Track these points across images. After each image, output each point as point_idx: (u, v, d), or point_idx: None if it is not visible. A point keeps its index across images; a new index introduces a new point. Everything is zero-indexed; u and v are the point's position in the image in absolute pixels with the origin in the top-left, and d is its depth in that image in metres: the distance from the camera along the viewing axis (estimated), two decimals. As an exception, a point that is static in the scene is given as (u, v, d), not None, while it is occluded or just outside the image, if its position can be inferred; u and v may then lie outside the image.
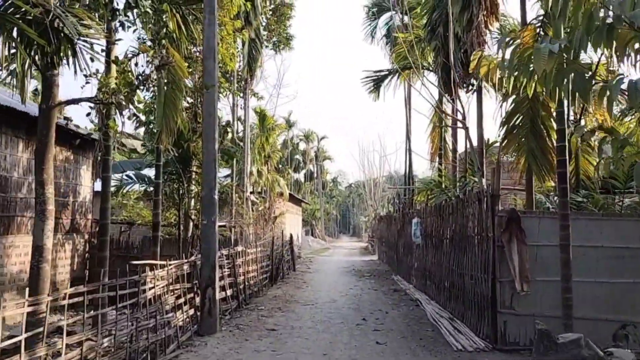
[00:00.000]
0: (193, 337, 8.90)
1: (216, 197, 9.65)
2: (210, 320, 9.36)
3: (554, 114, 8.25)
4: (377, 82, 16.42)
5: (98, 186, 16.60)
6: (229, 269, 12.00)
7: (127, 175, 13.43)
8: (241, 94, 22.51)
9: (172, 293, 8.25)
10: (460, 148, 14.95)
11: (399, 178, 48.01)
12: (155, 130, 11.72)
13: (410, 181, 21.94)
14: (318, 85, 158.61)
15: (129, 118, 7.86)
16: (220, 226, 19.16)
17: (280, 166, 40.25)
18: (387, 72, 16.68)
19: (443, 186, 13.75)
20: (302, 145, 76.74)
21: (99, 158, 9.49)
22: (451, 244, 11.45)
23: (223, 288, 11.40)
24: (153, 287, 7.31)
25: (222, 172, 22.44)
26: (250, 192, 24.97)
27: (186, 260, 9.04)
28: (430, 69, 15.28)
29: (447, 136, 17.03)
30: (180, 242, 14.24)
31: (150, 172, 15.26)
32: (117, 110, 9.23)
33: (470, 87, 12.35)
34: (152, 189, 14.07)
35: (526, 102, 8.37)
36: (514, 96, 8.35)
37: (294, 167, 75.03)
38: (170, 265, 8.25)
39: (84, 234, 13.99)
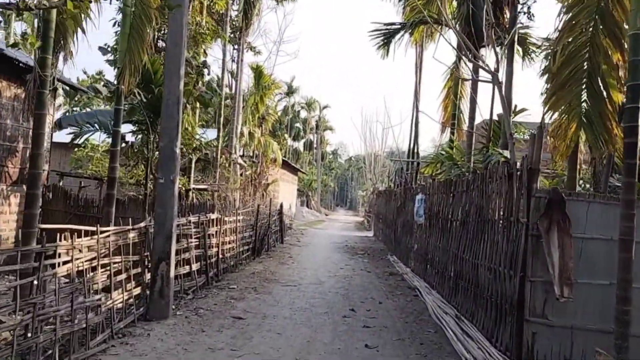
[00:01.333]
0: (136, 323, 7.08)
1: (177, 150, 7.69)
2: (161, 303, 7.52)
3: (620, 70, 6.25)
4: (387, 37, 14.29)
5: (62, 136, 14.69)
6: (197, 239, 10.13)
7: (87, 122, 11.46)
8: (235, 46, 20.32)
9: (105, 268, 6.37)
10: (479, 118, 12.93)
11: (400, 154, 46.00)
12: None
13: (416, 154, 19.96)
14: (322, 44, 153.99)
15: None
16: (200, 189, 17.33)
17: (278, 133, 38.23)
18: (399, 26, 14.51)
19: (455, 159, 11.79)
20: (303, 114, 74.35)
21: (30, 90, 7.52)
22: (462, 227, 9.55)
23: (187, 262, 9.56)
24: (70, 261, 5.42)
25: (210, 134, 20.49)
26: (240, 156, 23.02)
27: (131, 227, 7.13)
28: (449, 25, 13.06)
29: (463, 104, 14.98)
30: (147, 203, 12.35)
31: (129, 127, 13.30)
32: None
33: (500, 42, 10.27)
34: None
35: (585, 49, 6.36)
36: (569, 39, 6.33)
37: (294, 136, 72.87)
38: (103, 233, 6.34)
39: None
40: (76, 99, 41.76)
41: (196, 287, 9.67)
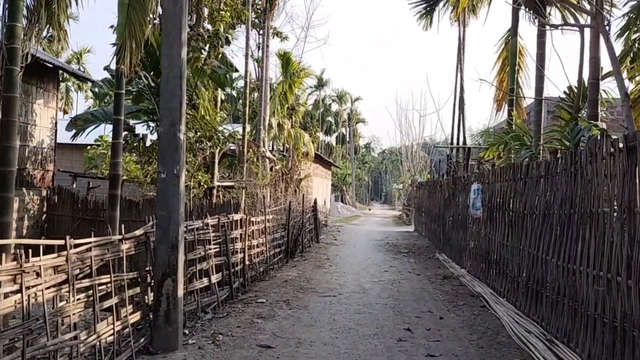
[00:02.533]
0: (134, 359, 5.48)
1: (182, 136, 6.04)
2: (167, 330, 5.90)
3: None
4: (431, 4, 12.37)
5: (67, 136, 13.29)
6: (218, 245, 8.52)
7: (91, 114, 10.00)
8: (260, 30, 18.70)
9: (81, 292, 4.77)
10: (546, 91, 10.86)
11: (437, 144, 43.65)
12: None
13: (462, 140, 17.92)
14: (353, 27, 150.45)
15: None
16: (226, 187, 15.81)
17: (309, 126, 36.49)
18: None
19: (524, 139, 9.79)
20: (334, 107, 72.56)
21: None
22: (543, 221, 7.61)
23: (206, 273, 7.95)
24: (19, 291, 3.83)
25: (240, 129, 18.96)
26: (270, 150, 21.42)
27: (121, 236, 5.52)
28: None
29: (521, 77, 12.91)
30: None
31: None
32: None
33: None
34: (130, 134, 10.62)
35: None
36: None
37: (325, 130, 71.22)
38: (80, 246, 4.73)
39: (41, 189, 10.73)
40: (106, 100, 41.10)
41: (217, 303, 8.05)
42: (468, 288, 10.47)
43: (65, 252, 4.41)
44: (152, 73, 9.27)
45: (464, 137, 18.04)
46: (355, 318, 7.74)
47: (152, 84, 9.17)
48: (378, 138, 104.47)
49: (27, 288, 3.88)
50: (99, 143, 14.20)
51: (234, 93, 34.29)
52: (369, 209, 66.53)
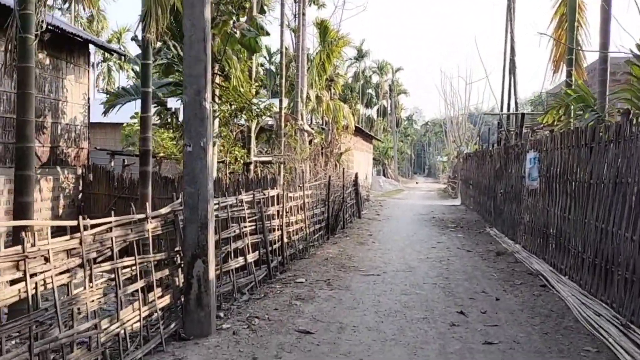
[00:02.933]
0: (165, 346, 5.09)
1: (208, 105, 5.51)
2: (199, 315, 5.49)
3: None
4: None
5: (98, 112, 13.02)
6: (254, 223, 8.05)
7: (123, 88, 9.62)
8: (295, -2, 17.93)
9: (101, 277, 4.37)
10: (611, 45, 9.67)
11: (482, 113, 41.90)
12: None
13: (514, 106, 16.76)
14: None
15: None
16: (263, 162, 15.36)
17: (349, 97, 35.57)
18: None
19: (588, 101, 8.77)
20: (374, 79, 70.95)
21: (13, 38, 5.61)
22: (615, 191, 6.73)
23: (242, 252, 7.51)
24: (22, 279, 3.40)
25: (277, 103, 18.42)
26: (309, 124, 20.81)
27: (145, 215, 5.07)
28: None
29: (581, 34, 11.70)
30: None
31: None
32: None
33: None
34: (162, 108, 10.21)
35: None
36: None
37: (366, 103, 69.87)
38: (98, 226, 4.29)
39: (76, 167, 10.54)
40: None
41: (254, 284, 7.62)
42: (525, 265, 9.67)
43: (78, 234, 3.97)
44: (181, 42, 8.76)
45: (516, 104, 16.83)
46: (402, 299, 7.14)
47: (182, 54, 8.67)
48: (420, 110, 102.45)
49: (34, 275, 3.46)
50: (135, 120, 13.98)
51: (272, 68, 33.65)
52: (416, 183, 65.26)
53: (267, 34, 9.81)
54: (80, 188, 10.66)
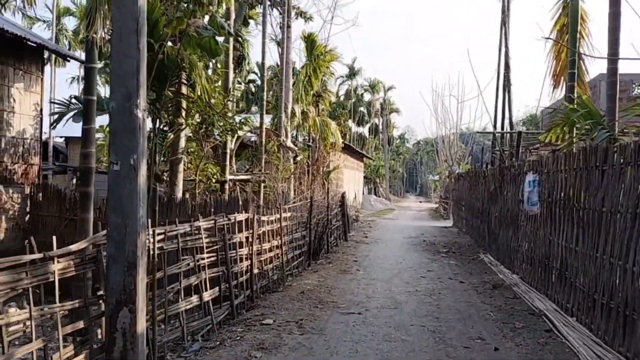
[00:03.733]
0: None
1: (140, 114, 4.42)
2: (123, 380, 4.32)
3: None
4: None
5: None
6: (215, 253, 6.93)
7: (74, 98, 8.53)
8: (280, 8, 17.05)
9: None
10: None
11: (470, 135, 41.18)
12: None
13: (509, 124, 15.83)
14: (384, 6, 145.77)
15: None
16: (240, 180, 14.27)
17: (339, 115, 34.59)
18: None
19: (597, 117, 7.79)
20: (366, 97, 70.38)
21: None
22: (635, 222, 5.70)
23: (196, 289, 6.37)
24: None
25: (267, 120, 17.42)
26: (293, 141, 19.80)
27: (39, 255, 3.91)
28: None
29: (583, 47, 10.79)
30: (168, 205, 9.33)
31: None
32: None
33: None
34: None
35: None
36: None
37: (358, 120, 69.22)
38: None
39: (24, 186, 9.39)
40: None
41: (212, 326, 6.47)
42: (525, 302, 8.57)
43: None
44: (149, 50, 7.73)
45: (510, 122, 15.93)
46: (384, 349, 6.01)
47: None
48: (412, 129, 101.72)
49: None
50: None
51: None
52: (405, 202, 64.26)
53: (230, 34, 8.78)
54: (28, 209, 9.51)
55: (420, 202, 66.53)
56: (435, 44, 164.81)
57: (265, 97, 14.62)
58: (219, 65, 11.08)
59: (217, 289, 6.89)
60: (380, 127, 71.53)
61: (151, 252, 5.23)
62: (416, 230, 22.28)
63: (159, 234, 5.48)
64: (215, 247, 6.98)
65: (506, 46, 15.76)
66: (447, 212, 31.47)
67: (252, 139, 17.56)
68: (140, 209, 4.43)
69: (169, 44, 7.76)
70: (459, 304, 8.48)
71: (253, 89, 36.92)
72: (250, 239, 8.23)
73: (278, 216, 10.02)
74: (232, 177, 12.43)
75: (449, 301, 8.66)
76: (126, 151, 4.39)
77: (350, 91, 66.40)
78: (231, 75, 12.11)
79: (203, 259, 6.56)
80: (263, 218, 9.15)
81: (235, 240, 7.64)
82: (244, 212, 8.18)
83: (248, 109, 30.63)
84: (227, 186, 11.71)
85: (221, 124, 10.19)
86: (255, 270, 8.36)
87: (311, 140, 20.45)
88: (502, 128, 16.85)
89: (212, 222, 6.94)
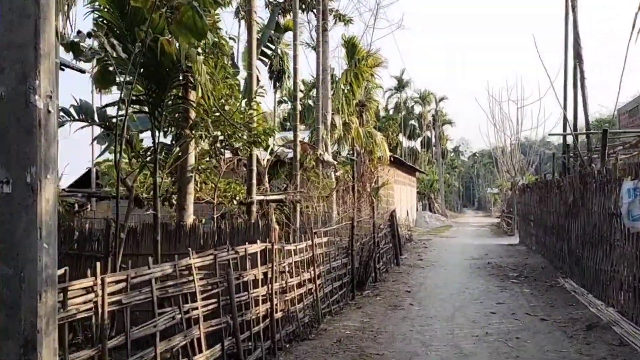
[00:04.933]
0: None
1: (41, 104, 2.81)
2: None
3: None
4: None
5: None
6: (215, 299, 5.25)
7: (63, 110, 7.24)
8: (314, 10, 15.57)
9: None
10: None
11: (529, 145, 37.99)
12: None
13: (585, 124, 13.46)
14: (433, 9, 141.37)
15: None
16: (274, 201, 12.63)
17: (386, 127, 32.74)
18: None
19: None
20: (417, 109, 67.80)
21: None
22: None
23: (184, 351, 4.69)
24: None
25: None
26: (336, 154, 18.09)
27: None
28: None
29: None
30: (176, 234, 7.78)
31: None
32: None
33: None
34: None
35: None
36: None
37: (409, 134, 66.76)
38: None
39: None
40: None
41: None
42: (637, 351, 6.35)
43: None
44: (120, 37, 6.26)
45: (587, 121, 13.53)
46: None
47: (124, 55, 6.16)
48: (467, 141, 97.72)
49: None
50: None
51: (311, 102, 31.29)
52: (463, 217, 60.89)
53: (220, 3, 7.19)
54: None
55: (472, 217, 62.89)
56: (491, 43, 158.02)
57: (298, 106, 13.03)
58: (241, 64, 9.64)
59: (219, 346, 5.18)
60: (433, 140, 68.76)
61: (99, 311, 3.60)
62: (478, 250, 19.88)
63: (114, 283, 3.85)
64: (217, 290, 5.30)
65: (576, 31, 13.44)
66: (512, 227, 28.66)
67: (290, 155, 16.02)
68: (44, 253, 2.80)
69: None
70: (546, 355, 6.39)
71: (300, 107, 35.64)
72: (270, 275, 6.50)
73: (310, 243, 8.27)
74: (261, 197, 10.82)
75: (533, 351, 6.57)
76: (20, 162, 2.78)
77: (399, 104, 64.25)
78: (262, 80, 10.60)
79: (196, 308, 4.88)
80: (289, 247, 7.43)
81: (247, 279, 5.93)
82: (259, 240, 6.47)
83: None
84: (254, 208, 10.07)
85: (240, 134, 8.62)
86: (278, 314, 6.62)
87: (355, 154, 18.64)
88: (575, 129, 14.46)
89: (211, 257, 5.27)
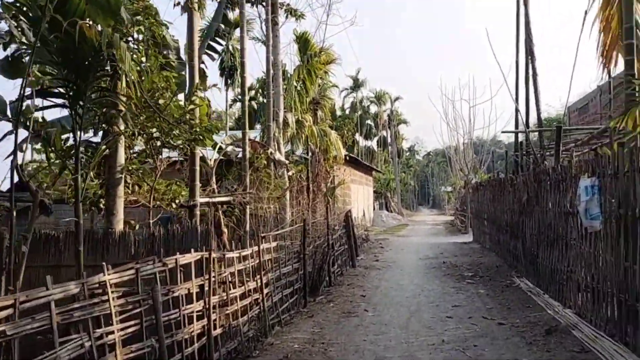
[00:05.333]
0: None
1: None
2: None
3: None
4: None
5: None
6: (137, 320, 4.54)
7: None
8: (262, 3, 14.88)
9: None
10: None
11: (481, 144, 38.61)
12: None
13: (537, 120, 13.36)
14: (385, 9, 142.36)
15: None
16: (221, 204, 11.92)
17: (342, 126, 32.26)
18: None
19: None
20: (373, 109, 67.99)
21: None
22: None
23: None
24: None
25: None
26: (290, 154, 17.49)
27: None
28: None
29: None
30: (104, 242, 6.96)
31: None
32: None
33: None
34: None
35: None
36: None
37: (365, 134, 66.90)
38: None
39: None
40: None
41: None
42: (600, 357, 6.05)
43: None
44: (35, 22, 5.45)
45: (539, 118, 13.45)
46: None
47: (42, 43, 5.34)
48: (422, 140, 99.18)
49: None
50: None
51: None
52: (419, 215, 61.45)
53: None
54: None
55: (427, 215, 63.60)
56: (444, 42, 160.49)
57: (246, 102, 12.34)
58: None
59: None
60: (389, 139, 69.12)
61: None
62: (433, 249, 19.72)
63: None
64: (140, 310, 4.59)
65: (528, 27, 13.32)
66: (465, 225, 28.83)
67: (241, 155, 15.28)
68: None
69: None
70: (507, 365, 5.98)
71: (255, 106, 34.64)
72: (207, 288, 5.83)
73: (257, 249, 7.63)
74: (205, 199, 10.06)
75: (490, 358, 6.16)
76: None
77: (355, 103, 64.29)
78: (211, 76, 9.84)
79: (112, 332, 4.16)
80: (231, 255, 6.77)
81: (178, 293, 5.24)
82: (193, 250, 5.79)
83: (251, 128, 28.40)
84: (197, 211, 9.32)
85: (178, 132, 7.87)
86: (217, 331, 5.96)
87: (310, 154, 18.07)
88: (528, 126, 14.40)
89: (131, 271, 4.56)
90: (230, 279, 6.68)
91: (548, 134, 14.60)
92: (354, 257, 15.22)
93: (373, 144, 70.57)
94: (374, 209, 44.29)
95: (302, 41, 17.29)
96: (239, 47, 25.70)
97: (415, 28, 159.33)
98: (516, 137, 16.24)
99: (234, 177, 15.22)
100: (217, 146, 14.32)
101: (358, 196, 33.66)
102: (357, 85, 62.53)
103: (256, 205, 12.17)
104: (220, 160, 14.01)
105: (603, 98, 16.02)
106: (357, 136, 63.76)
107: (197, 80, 9.40)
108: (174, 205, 8.90)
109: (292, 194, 15.67)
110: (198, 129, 8.43)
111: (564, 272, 8.86)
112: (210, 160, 12.88)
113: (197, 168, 9.62)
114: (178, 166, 15.21)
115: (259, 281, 7.55)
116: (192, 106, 8.68)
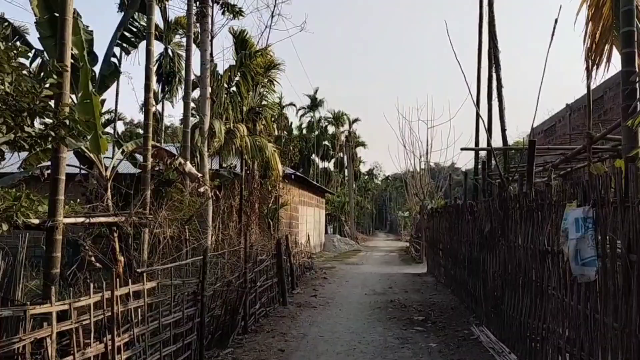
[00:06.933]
0: None
1: None
2: None
3: None
4: None
5: None
6: None
7: None
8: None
9: None
10: None
11: (439, 170, 37.36)
12: None
13: (502, 139, 11.48)
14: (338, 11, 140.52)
15: None
16: (106, 224, 9.33)
17: (290, 143, 30.02)
18: None
19: None
20: (330, 129, 66.28)
21: None
22: None
23: None
24: None
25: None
26: (224, 166, 15.06)
27: None
28: None
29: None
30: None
31: None
32: None
33: None
34: None
35: None
36: None
37: (322, 155, 65.11)
38: None
39: None
40: None
41: None
42: None
43: None
44: None
45: (504, 136, 11.64)
46: None
47: None
48: (381, 164, 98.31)
49: None
50: None
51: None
52: (373, 240, 59.56)
53: None
54: None
55: (383, 240, 61.97)
56: (405, 64, 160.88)
57: (152, 100, 9.91)
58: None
59: None
60: (346, 161, 67.46)
61: None
62: (382, 282, 17.57)
63: None
64: None
65: (492, 31, 11.52)
66: (420, 254, 26.94)
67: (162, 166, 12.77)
68: None
69: None
70: None
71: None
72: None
73: (107, 294, 5.17)
74: (73, 220, 7.52)
75: None
76: None
77: (313, 123, 62.53)
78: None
79: None
80: (42, 309, 4.30)
81: None
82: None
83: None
84: (58, 235, 6.77)
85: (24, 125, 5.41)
86: None
87: (244, 168, 15.67)
88: (490, 145, 12.56)
89: None
90: (47, 346, 4.21)
91: (512, 156, 12.80)
92: (285, 292, 12.80)
93: (330, 165, 68.82)
94: (326, 232, 42.09)
95: (240, 41, 15.13)
96: (181, 53, 23.22)
97: (376, 47, 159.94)
98: (476, 157, 14.43)
99: (152, 194, 12.65)
100: (125, 153, 11.83)
101: (307, 219, 31.40)
102: (314, 104, 60.86)
103: (162, 229, 9.66)
104: (138, 176, 11.47)
105: (573, 117, 14.43)
106: (313, 157, 61.92)
107: (67, 60, 6.95)
108: (4, 226, 6.29)
109: (217, 215, 13.25)
110: (56, 123, 5.94)
111: (538, 329, 6.78)
112: (106, 170, 10.34)
113: (63, 178, 7.07)
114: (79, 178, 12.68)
115: (108, 342, 5.07)
116: (46, 92, 6.21)
